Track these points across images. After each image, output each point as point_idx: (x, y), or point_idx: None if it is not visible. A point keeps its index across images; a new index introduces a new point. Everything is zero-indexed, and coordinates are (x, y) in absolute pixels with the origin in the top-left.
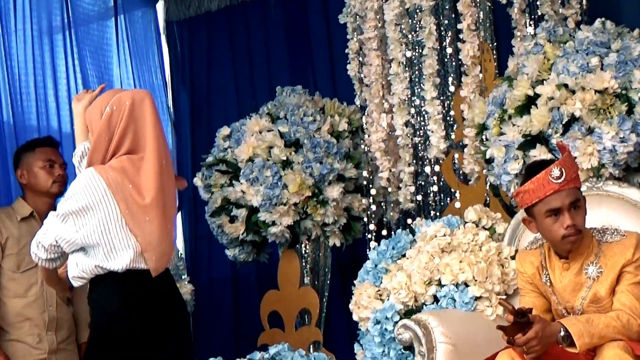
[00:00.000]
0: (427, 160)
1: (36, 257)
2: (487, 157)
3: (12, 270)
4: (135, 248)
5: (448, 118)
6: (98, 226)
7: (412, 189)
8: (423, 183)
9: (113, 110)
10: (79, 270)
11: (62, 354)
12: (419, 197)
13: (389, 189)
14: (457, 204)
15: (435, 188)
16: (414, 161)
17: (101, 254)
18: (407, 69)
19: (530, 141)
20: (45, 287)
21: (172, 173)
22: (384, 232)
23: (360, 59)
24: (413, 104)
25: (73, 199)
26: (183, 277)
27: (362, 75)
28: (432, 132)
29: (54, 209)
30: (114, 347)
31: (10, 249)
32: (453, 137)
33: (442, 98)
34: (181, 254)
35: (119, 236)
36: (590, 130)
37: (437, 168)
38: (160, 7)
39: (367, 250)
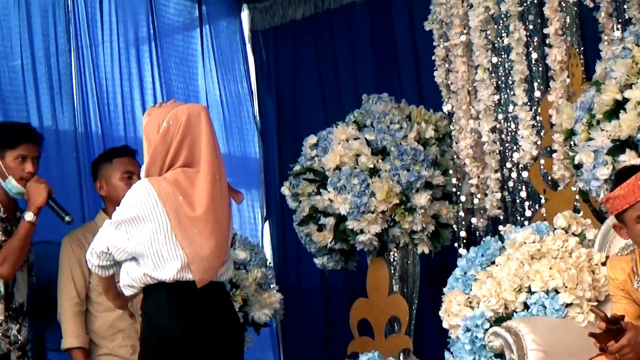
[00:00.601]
0: (515, 166)
1: (90, 263)
2: (576, 162)
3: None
4: (183, 259)
5: (535, 124)
6: (148, 236)
7: (499, 195)
8: (511, 189)
9: (170, 124)
10: (129, 278)
11: None
12: (507, 204)
13: (478, 196)
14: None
15: (523, 194)
16: (501, 167)
17: (150, 263)
18: (492, 75)
19: (619, 146)
20: (135, 299)
21: (226, 187)
22: (473, 239)
23: (447, 65)
24: (500, 110)
25: (126, 208)
26: (272, 286)
27: (449, 82)
28: (523, 137)
29: None
30: (163, 357)
31: None
32: (539, 142)
33: (529, 104)
34: (269, 263)
35: (168, 247)
36: None
37: (525, 174)
38: (245, 16)
39: (456, 257)
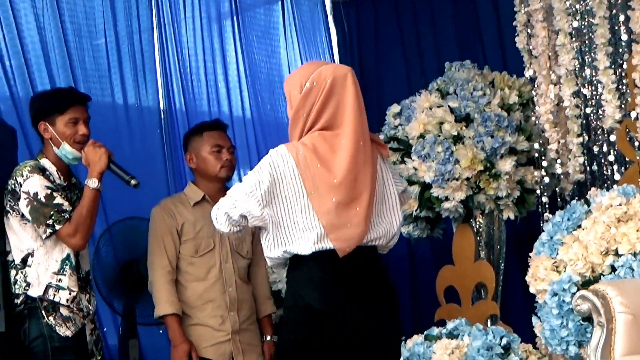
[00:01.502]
0: (600, 130)
1: (217, 228)
2: None
3: (190, 255)
4: (319, 230)
5: (620, 87)
6: (284, 205)
7: (581, 159)
8: (596, 153)
9: (313, 85)
10: (269, 257)
11: (245, 334)
12: (594, 168)
13: (559, 161)
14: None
15: (610, 158)
16: (585, 132)
17: (286, 234)
18: (574, 39)
19: None
20: (224, 268)
21: (370, 151)
22: (558, 204)
23: (529, 30)
24: (582, 74)
25: (261, 175)
26: None
27: (530, 47)
28: (607, 101)
29: (225, 192)
30: (302, 329)
31: (187, 234)
32: (623, 106)
33: (613, 67)
34: None
35: (304, 217)
36: None
37: (612, 138)
38: None
39: (542, 222)
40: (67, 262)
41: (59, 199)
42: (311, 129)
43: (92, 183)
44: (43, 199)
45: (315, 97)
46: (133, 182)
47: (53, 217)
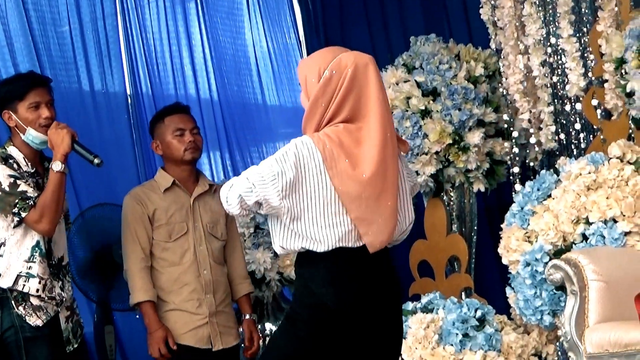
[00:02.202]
0: (567, 99)
1: (228, 210)
2: (628, 90)
3: (164, 240)
4: (347, 225)
5: (585, 55)
6: (307, 199)
7: (553, 128)
8: (564, 122)
9: (333, 74)
10: (284, 244)
11: (221, 316)
12: (562, 137)
13: (531, 130)
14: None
15: (577, 126)
16: (554, 101)
17: (306, 228)
18: (540, 8)
19: None
20: (198, 251)
21: (396, 144)
22: (528, 175)
23: (493, 2)
24: (549, 43)
25: (284, 164)
26: None
27: (495, 19)
28: (571, 69)
29: (196, 176)
30: (313, 325)
31: (160, 220)
32: (590, 74)
33: (578, 35)
34: None
35: (328, 212)
36: None
37: (578, 106)
38: None
39: (513, 193)
40: (37, 249)
41: (23, 186)
42: (331, 120)
43: (56, 166)
44: (7, 188)
45: (336, 86)
46: (96, 160)
47: (18, 205)
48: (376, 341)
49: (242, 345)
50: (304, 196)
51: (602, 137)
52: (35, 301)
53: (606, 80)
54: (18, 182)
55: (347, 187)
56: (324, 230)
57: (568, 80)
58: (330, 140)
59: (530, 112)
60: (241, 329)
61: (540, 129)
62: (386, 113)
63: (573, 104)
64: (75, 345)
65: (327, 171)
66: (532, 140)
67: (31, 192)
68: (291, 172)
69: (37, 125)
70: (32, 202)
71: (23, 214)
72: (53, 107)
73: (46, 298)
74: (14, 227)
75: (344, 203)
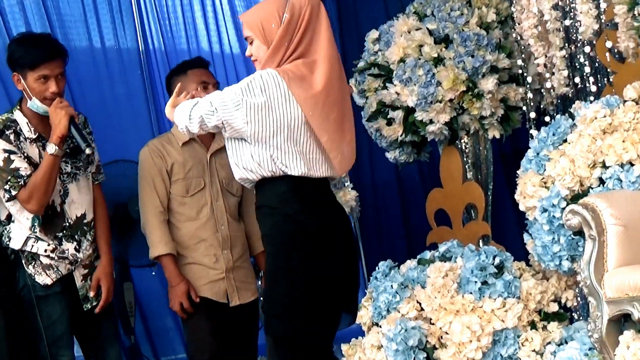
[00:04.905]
0: (580, 43)
1: (185, 128)
2: None
3: (181, 195)
4: (315, 153)
5: None
6: (274, 125)
7: (565, 72)
8: (578, 66)
9: (292, 15)
10: (254, 163)
11: (239, 272)
12: (576, 80)
13: (546, 75)
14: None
15: (590, 70)
16: (567, 45)
17: (275, 154)
18: None
19: None
20: (215, 207)
21: (346, 84)
22: (543, 120)
23: None
24: None
25: (250, 92)
26: (346, 184)
27: None
28: (582, 12)
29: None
30: (301, 250)
31: (177, 175)
32: (603, 17)
33: None
34: None
35: (297, 140)
36: None
37: (587, 49)
38: None
39: (528, 139)
40: (36, 219)
41: (17, 162)
42: (289, 57)
43: (50, 149)
44: (1, 163)
45: (295, 25)
46: (87, 150)
47: (10, 183)
48: (343, 260)
49: (261, 299)
50: (272, 122)
51: (610, 80)
52: (45, 260)
53: (617, 23)
54: (12, 157)
55: (315, 113)
56: (292, 157)
57: (580, 23)
58: (293, 73)
59: (545, 56)
60: (259, 284)
61: (553, 73)
62: (334, 48)
63: (585, 47)
64: (95, 303)
65: (296, 98)
66: (547, 85)
67: (24, 169)
68: (258, 98)
69: (41, 98)
70: (22, 181)
71: (13, 192)
72: (64, 77)
73: (57, 258)
74: (7, 201)
75: (314, 128)
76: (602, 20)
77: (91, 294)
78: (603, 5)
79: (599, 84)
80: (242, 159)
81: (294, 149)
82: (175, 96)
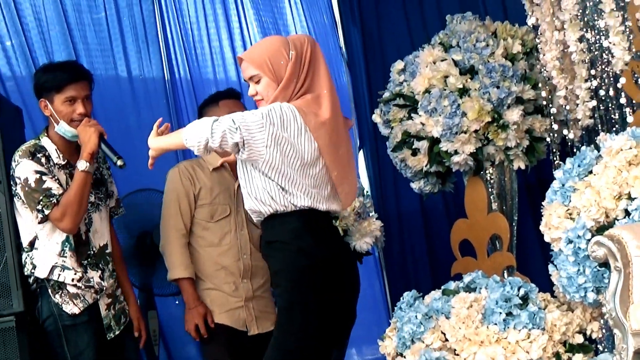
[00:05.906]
0: (605, 74)
1: (203, 142)
2: None
3: (205, 220)
4: (329, 186)
5: (625, 29)
6: (291, 156)
7: (590, 104)
8: (603, 97)
9: (297, 52)
10: (267, 196)
11: (259, 301)
12: (601, 112)
13: (567, 107)
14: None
15: (619, 101)
16: (591, 77)
17: (287, 185)
18: None
19: None
20: (240, 235)
21: (343, 120)
22: (568, 151)
23: None
24: (584, 19)
25: (270, 119)
26: (371, 214)
27: None
28: (615, 44)
29: None
30: (314, 284)
31: (204, 199)
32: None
33: (616, 9)
34: (367, 192)
35: (314, 172)
36: None
37: (621, 80)
38: None
39: (553, 170)
40: (67, 243)
41: (48, 183)
42: (297, 93)
43: (81, 165)
44: (33, 184)
45: (301, 62)
46: (119, 162)
47: (42, 202)
48: (349, 291)
49: None
50: (288, 152)
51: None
52: (72, 289)
53: None
54: (44, 178)
55: (327, 143)
56: (302, 189)
57: (606, 55)
58: (306, 107)
59: (567, 88)
60: None
61: (577, 105)
62: (332, 81)
63: (612, 79)
64: (117, 332)
65: (311, 131)
66: (571, 117)
67: (56, 189)
68: (277, 127)
69: (69, 120)
70: (55, 199)
71: (46, 212)
72: (90, 101)
73: (83, 287)
74: (39, 222)
75: (327, 162)
76: (633, 50)
77: (137, 334)
78: (630, 37)
79: (624, 116)
80: (254, 189)
81: (305, 181)
82: (156, 129)
